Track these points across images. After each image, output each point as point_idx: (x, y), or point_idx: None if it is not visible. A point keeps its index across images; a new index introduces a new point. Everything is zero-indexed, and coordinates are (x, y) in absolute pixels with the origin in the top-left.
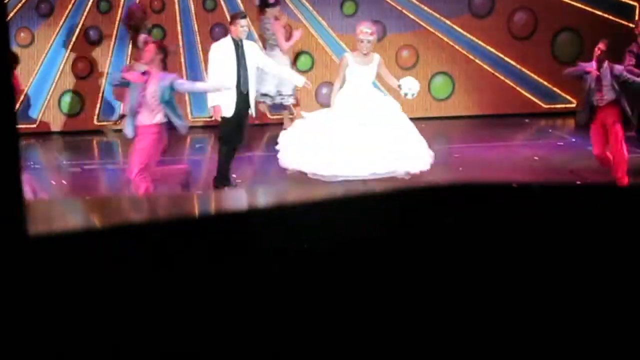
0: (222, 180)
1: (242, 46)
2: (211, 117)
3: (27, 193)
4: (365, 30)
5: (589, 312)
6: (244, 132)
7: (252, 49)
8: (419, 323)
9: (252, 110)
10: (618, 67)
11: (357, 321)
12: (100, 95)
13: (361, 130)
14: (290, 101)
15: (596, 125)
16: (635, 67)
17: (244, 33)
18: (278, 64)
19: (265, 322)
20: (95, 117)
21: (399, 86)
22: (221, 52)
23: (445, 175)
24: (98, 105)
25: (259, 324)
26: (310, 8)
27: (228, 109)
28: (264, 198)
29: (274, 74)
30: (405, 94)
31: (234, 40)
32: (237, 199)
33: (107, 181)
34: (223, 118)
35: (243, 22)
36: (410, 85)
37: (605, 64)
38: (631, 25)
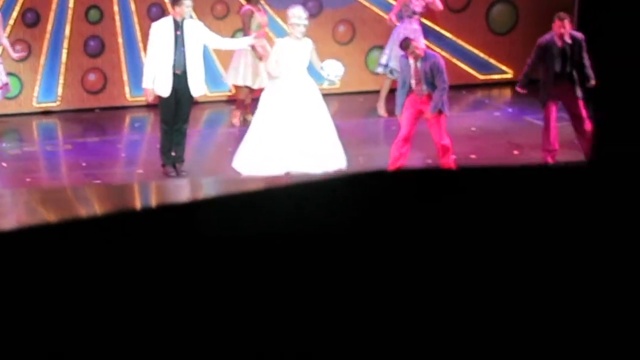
0: (164, 159)
1: (182, 26)
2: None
3: None
4: (300, 14)
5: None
6: (185, 112)
7: (194, 28)
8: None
9: (194, 91)
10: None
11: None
12: (39, 77)
13: (282, 128)
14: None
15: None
16: None
17: (188, 13)
18: (224, 38)
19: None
20: (34, 98)
21: (322, 68)
22: (159, 32)
23: (387, 148)
24: (37, 87)
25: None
26: None
27: (164, 90)
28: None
29: (225, 48)
30: (328, 75)
31: (174, 20)
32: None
33: (47, 163)
34: (161, 98)
35: (188, 2)
36: (333, 68)
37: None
38: None
